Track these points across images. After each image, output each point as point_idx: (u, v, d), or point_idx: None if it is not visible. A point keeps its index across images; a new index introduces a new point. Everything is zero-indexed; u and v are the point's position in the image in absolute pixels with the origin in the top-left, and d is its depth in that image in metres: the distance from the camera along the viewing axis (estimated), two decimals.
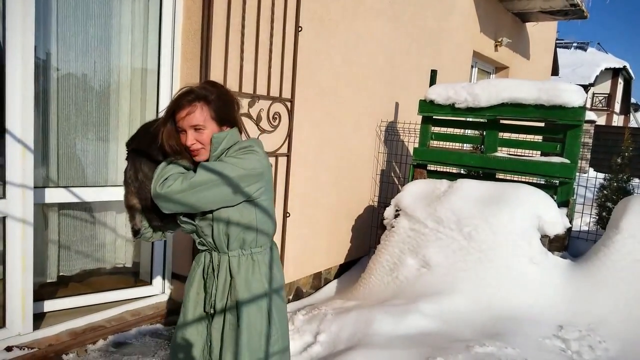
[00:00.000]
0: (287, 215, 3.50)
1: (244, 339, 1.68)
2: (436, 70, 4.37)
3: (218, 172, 1.58)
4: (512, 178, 3.94)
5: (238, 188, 1.61)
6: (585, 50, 28.94)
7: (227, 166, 1.60)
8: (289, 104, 3.38)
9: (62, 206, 2.83)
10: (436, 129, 4.20)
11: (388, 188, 4.82)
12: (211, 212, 1.66)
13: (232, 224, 1.67)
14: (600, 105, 27.81)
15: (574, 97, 3.40)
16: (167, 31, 2.97)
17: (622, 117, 30.66)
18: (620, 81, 29.09)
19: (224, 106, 1.68)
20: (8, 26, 2.25)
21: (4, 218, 2.36)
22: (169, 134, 1.65)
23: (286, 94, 3.35)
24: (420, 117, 4.13)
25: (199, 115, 1.63)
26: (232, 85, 2.90)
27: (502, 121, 3.87)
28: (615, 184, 4.49)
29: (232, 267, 1.72)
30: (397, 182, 4.96)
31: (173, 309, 3.06)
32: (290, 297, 3.89)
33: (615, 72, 28.04)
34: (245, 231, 1.69)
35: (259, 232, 1.72)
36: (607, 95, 28.06)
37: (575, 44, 29.53)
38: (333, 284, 4.18)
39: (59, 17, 2.62)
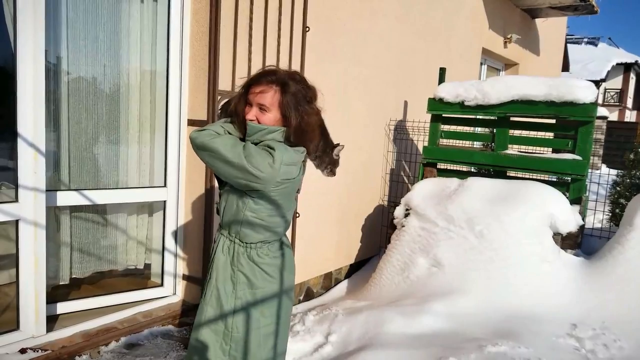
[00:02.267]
0: (297, 215, 3.49)
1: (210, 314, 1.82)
2: (445, 68, 4.34)
3: (224, 149, 1.65)
4: (523, 176, 3.90)
5: (230, 173, 1.67)
6: (596, 45, 28.63)
7: (237, 149, 1.64)
8: None
9: (73, 209, 2.85)
10: (446, 127, 4.17)
11: (398, 187, 4.81)
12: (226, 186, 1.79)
13: (229, 206, 1.78)
14: (612, 101, 27.48)
15: (585, 93, 3.36)
16: (176, 34, 2.99)
17: (635, 112, 30.27)
18: (632, 76, 28.72)
19: (294, 103, 1.69)
20: (19, 31, 2.28)
21: (16, 221, 2.39)
22: (238, 100, 1.74)
23: None
24: (430, 115, 4.11)
25: (270, 97, 1.68)
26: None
27: (512, 118, 3.84)
28: (628, 180, 4.43)
29: (224, 248, 1.82)
30: (406, 181, 4.94)
31: (184, 310, 3.07)
32: (301, 298, 3.89)
33: (627, 67, 27.68)
34: (236, 221, 1.76)
35: (252, 229, 1.75)
36: (619, 90, 27.72)
37: (585, 40, 29.23)
38: (343, 284, 4.18)
39: (69, 22, 2.65)
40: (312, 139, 1.78)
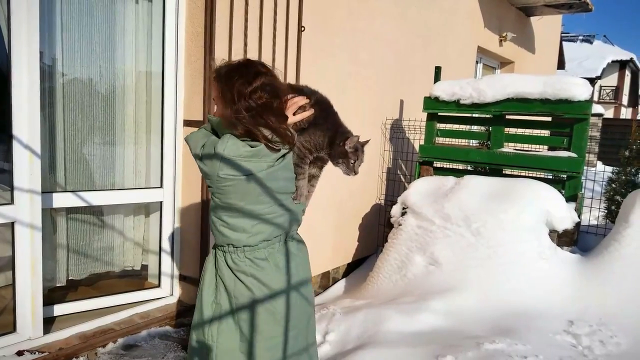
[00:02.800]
0: None
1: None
2: (440, 67, 4.35)
3: (192, 145, 1.65)
4: (519, 173, 3.91)
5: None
6: (592, 43, 28.73)
7: (199, 144, 1.61)
8: None
9: (70, 210, 2.84)
10: (442, 126, 4.18)
11: (395, 186, 4.81)
12: None
13: None
14: (608, 98, 27.59)
15: (579, 90, 3.37)
16: (171, 34, 2.98)
17: (630, 109, 30.40)
18: (628, 73, 28.84)
19: (224, 87, 1.57)
20: (13, 32, 2.27)
21: (12, 223, 2.38)
22: None
23: None
24: (426, 114, 4.12)
25: (213, 90, 1.65)
26: None
27: (508, 116, 3.85)
28: (623, 177, 4.45)
29: (213, 252, 1.77)
30: (403, 180, 4.95)
31: (182, 311, 3.07)
32: None
33: (622, 65, 27.80)
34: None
35: (216, 229, 1.67)
36: (614, 87, 27.83)
37: (581, 37, 29.32)
38: (341, 283, 4.18)
39: (64, 23, 2.64)
40: (261, 127, 1.53)
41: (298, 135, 1.66)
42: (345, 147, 1.68)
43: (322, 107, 1.72)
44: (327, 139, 1.68)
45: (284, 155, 1.60)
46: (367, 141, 1.74)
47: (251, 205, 1.59)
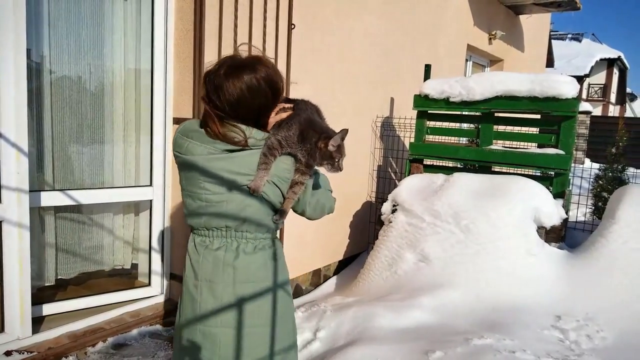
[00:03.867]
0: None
1: None
2: (430, 65, 4.37)
3: None
4: (507, 170, 3.94)
5: None
6: (580, 41, 28.97)
7: None
8: None
9: (58, 209, 2.83)
10: (431, 124, 4.20)
11: (385, 183, 4.83)
12: None
13: None
14: (596, 96, 27.85)
15: (567, 88, 3.41)
16: (160, 32, 2.97)
17: (618, 107, 30.70)
18: (616, 71, 29.11)
19: None
20: (0, 29, 2.25)
21: (0, 222, 2.36)
22: None
23: None
24: (416, 112, 4.14)
25: None
26: None
27: (496, 114, 3.88)
28: (610, 173, 4.50)
29: None
30: (394, 177, 4.97)
31: (172, 310, 3.06)
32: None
33: (610, 63, 28.06)
34: None
35: None
36: (602, 85, 28.09)
37: (569, 35, 29.55)
38: (332, 281, 4.19)
39: (51, 20, 2.62)
40: (208, 124, 1.54)
41: (275, 129, 1.65)
42: (329, 148, 1.60)
43: (300, 106, 1.72)
44: (299, 132, 1.62)
45: (233, 150, 1.56)
46: (346, 130, 1.65)
47: (191, 187, 1.57)
